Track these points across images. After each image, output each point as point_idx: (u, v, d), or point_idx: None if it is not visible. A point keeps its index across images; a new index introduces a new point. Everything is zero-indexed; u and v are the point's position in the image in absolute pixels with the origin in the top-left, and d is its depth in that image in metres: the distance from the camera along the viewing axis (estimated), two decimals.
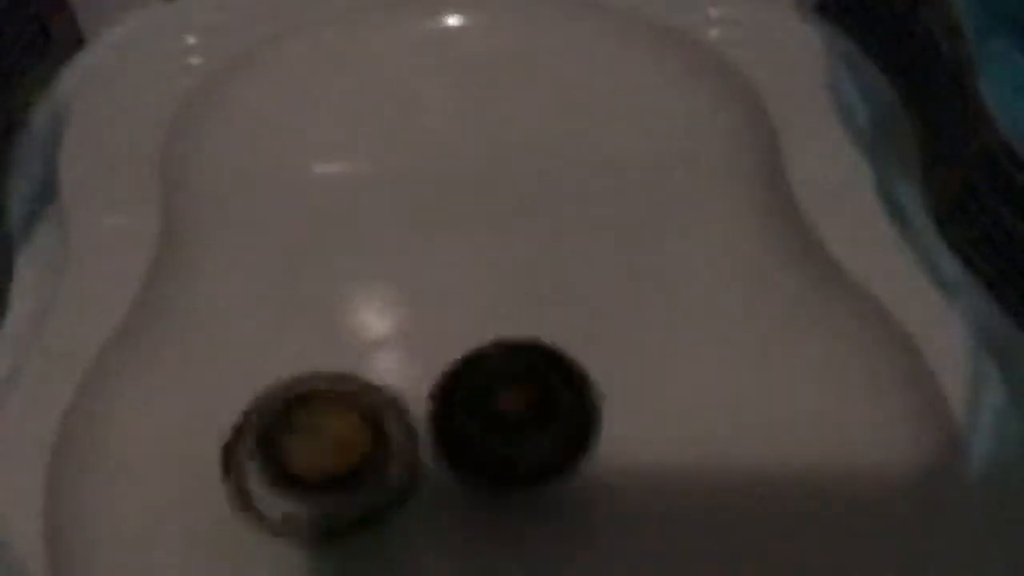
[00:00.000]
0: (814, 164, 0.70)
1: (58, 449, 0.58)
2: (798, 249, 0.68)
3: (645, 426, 0.64)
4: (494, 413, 0.59)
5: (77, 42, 0.76)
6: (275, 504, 0.56)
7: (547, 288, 0.71)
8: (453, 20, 0.79)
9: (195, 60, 0.75)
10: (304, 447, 0.56)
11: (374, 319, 0.71)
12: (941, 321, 0.63)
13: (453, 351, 0.66)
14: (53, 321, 0.63)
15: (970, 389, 0.60)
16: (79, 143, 0.70)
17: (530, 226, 0.73)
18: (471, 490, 0.61)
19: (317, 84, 0.77)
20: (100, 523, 0.59)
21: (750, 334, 0.68)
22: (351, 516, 0.58)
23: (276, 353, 0.67)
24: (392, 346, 0.69)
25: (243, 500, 0.57)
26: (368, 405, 0.58)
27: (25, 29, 0.71)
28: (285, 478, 0.56)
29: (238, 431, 0.58)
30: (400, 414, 0.60)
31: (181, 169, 0.71)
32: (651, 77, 0.77)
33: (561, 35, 0.79)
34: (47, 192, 0.69)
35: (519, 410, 0.59)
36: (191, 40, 0.75)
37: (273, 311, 0.68)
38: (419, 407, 0.62)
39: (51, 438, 0.59)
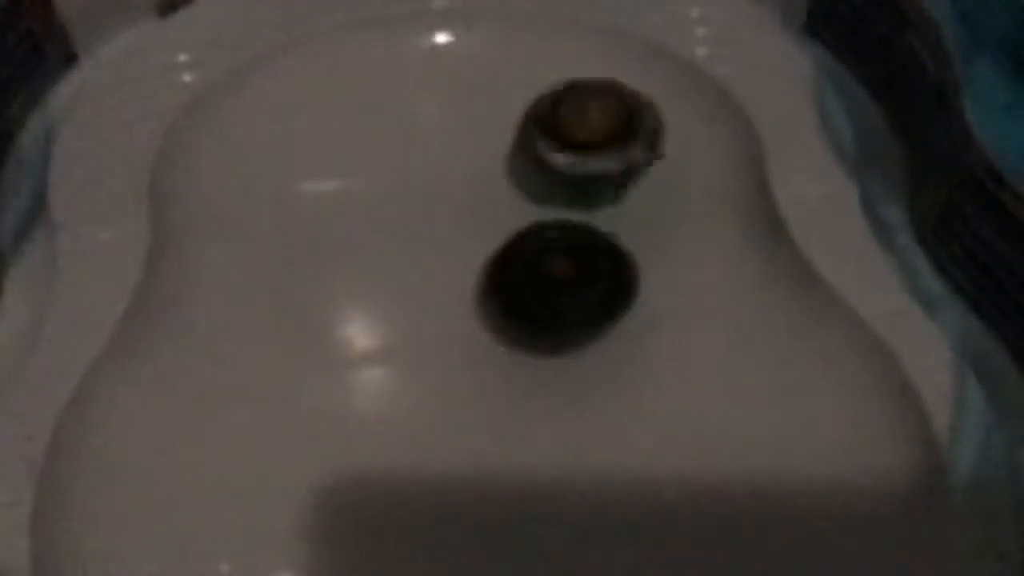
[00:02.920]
0: (800, 182, 0.70)
1: (48, 464, 0.59)
2: (783, 266, 0.68)
3: (628, 440, 0.65)
4: (544, 273, 0.68)
5: (69, 58, 0.76)
6: (550, 155, 0.71)
7: None
8: (444, 37, 0.80)
9: (187, 77, 0.75)
10: (573, 117, 0.72)
11: (365, 333, 0.71)
12: (924, 338, 0.63)
13: (441, 366, 0.68)
14: (43, 336, 0.63)
15: (952, 405, 0.61)
16: (70, 159, 0.71)
17: None
18: (519, 347, 0.69)
19: (308, 101, 0.77)
20: (91, 539, 0.59)
21: (733, 350, 0.68)
22: (605, 173, 0.71)
23: (266, 367, 0.67)
24: (381, 362, 0.69)
25: (528, 149, 0.73)
26: (628, 95, 0.72)
27: (18, 45, 0.72)
28: (558, 137, 0.71)
29: (536, 108, 0.74)
30: (651, 105, 0.72)
31: (171, 185, 0.71)
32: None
33: (550, 53, 0.79)
34: (38, 207, 0.70)
35: (565, 273, 0.68)
36: (183, 57, 0.76)
37: (263, 326, 0.68)
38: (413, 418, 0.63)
39: (42, 453, 0.59)
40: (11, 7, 0.70)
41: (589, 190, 0.73)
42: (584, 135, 0.71)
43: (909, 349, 0.63)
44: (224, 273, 0.70)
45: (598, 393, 0.68)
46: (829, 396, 0.64)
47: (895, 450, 0.61)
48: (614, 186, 0.73)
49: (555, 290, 0.68)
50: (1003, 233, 0.62)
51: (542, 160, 0.72)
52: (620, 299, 0.67)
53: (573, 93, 0.73)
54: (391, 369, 0.69)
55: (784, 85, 0.75)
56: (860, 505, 0.61)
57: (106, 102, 0.74)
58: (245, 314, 0.69)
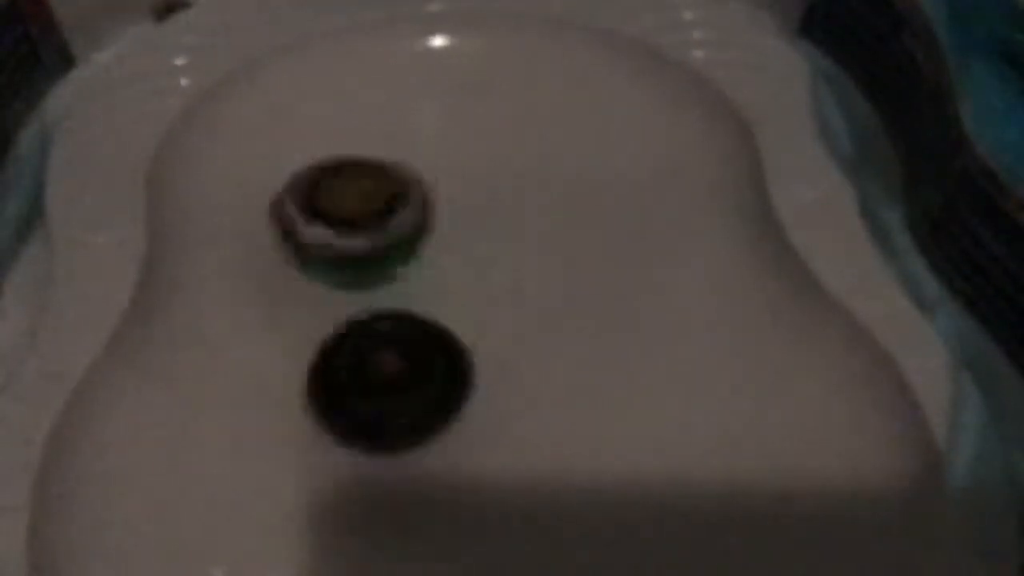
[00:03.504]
0: (797, 184, 0.70)
1: (45, 467, 0.58)
2: (781, 269, 0.68)
3: (624, 437, 0.64)
4: (369, 375, 0.65)
5: (66, 62, 0.76)
6: (312, 235, 0.67)
7: (535, 302, 0.71)
8: (441, 41, 0.80)
9: (183, 80, 0.75)
10: (337, 193, 0.68)
11: None
12: (921, 340, 0.63)
13: None
14: (41, 339, 0.63)
15: (949, 408, 0.60)
16: (67, 162, 0.71)
17: (518, 243, 0.74)
18: (348, 453, 0.64)
19: (305, 104, 0.77)
20: (88, 542, 0.59)
21: (730, 353, 0.67)
22: (374, 250, 0.68)
23: (263, 368, 0.67)
24: None
25: (286, 233, 0.68)
26: (390, 169, 0.69)
27: (15, 49, 0.72)
28: (320, 214, 0.67)
29: (285, 191, 0.69)
30: (416, 180, 0.69)
31: (168, 188, 0.71)
32: (636, 98, 0.78)
33: (548, 56, 0.79)
34: (35, 210, 0.70)
35: (392, 372, 0.65)
36: (179, 61, 0.76)
37: (260, 328, 0.68)
38: None
39: (38, 456, 0.59)
40: (8, 10, 0.70)
41: (356, 268, 0.69)
42: (344, 211, 0.67)
43: (906, 351, 0.63)
44: (221, 274, 0.70)
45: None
46: (826, 398, 0.64)
47: (892, 452, 0.61)
48: (385, 263, 0.69)
49: (383, 391, 0.64)
50: (999, 235, 0.62)
51: (299, 239, 0.68)
52: (455, 396, 0.64)
53: (332, 171, 0.69)
54: None
55: (780, 88, 0.76)
56: (856, 507, 0.61)
57: (103, 105, 0.74)
58: (242, 316, 0.69)
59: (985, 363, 0.63)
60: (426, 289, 0.70)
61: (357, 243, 0.67)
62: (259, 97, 0.76)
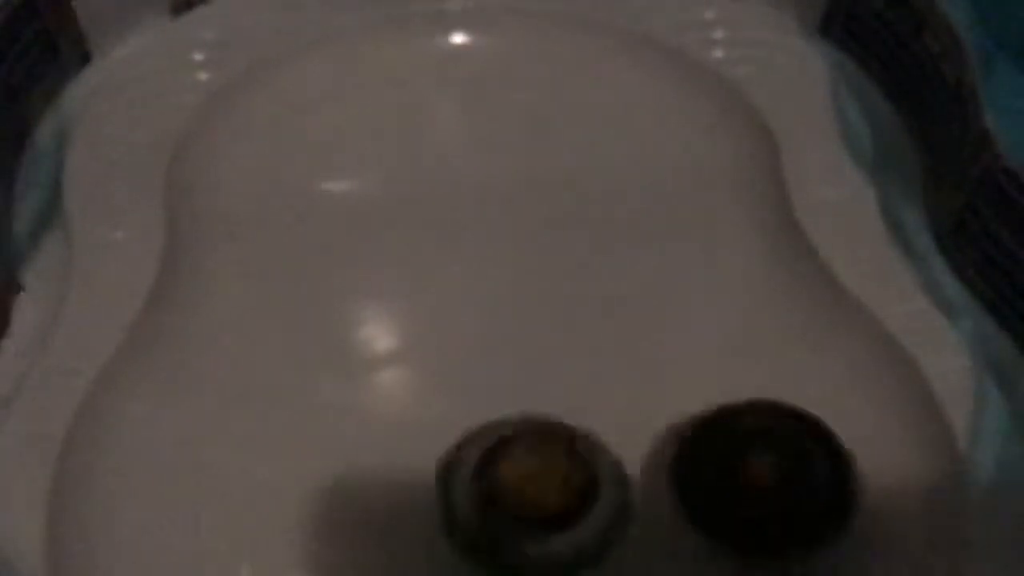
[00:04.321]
0: (817, 185, 0.70)
1: (61, 466, 0.58)
2: (800, 270, 0.68)
3: (642, 440, 0.64)
4: (743, 477, 0.58)
5: (84, 57, 0.76)
6: (486, 535, 0.57)
7: (551, 304, 0.71)
8: (460, 38, 0.79)
9: (202, 76, 0.75)
10: (518, 486, 0.56)
11: (380, 335, 0.71)
12: (943, 343, 0.63)
13: (459, 367, 0.67)
14: (57, 336, 0.63)
15: (972, 411, 0.60)
16: (85, 158, 0.70)
17: (536, 243, 0.73)
18: (714, 553, 0.60)
19: (324, 101, 0.77)
20: (107, 541, 0.59)
21: (750, 354, 0.67)
22: (560, 556, 0.57)
23: (282, 369, 0.67)
24: (397, 362, 0.69)
25: (451, 526, 0.58)
26: (579, 448, 0.58)
27: (33, 44, 0.71)
28: (497, 512, 0.56)
29: (452, 461, 0.59)
30: (609, 459, 0.59)
31: (187, 185, 0.71)
32: (655, 97, 0.78)
33: (566, 54, 0.79)
34: (53, 207, 0.69)
35: (770, 475, 0.58)
36: (198, 56, 0.76)
37: (278, 327, 0.68)
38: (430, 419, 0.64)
39: (54, 454, 0.59)
40: (26, 6, 0.70)
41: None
42: (528, 507, 0.55)
43: (927, 353, 0.62)
44: (239, 273, 0.70)
45: None
46: (847, 400, 0.64)
47: (914, 454, 0.61)
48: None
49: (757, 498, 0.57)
50: (1021, 237, 0.61)
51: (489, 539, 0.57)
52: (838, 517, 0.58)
53: (500, 453, 0.57)
54: (408, 369, 0.69)
55: (801, 88, 0.75)
56: (877, 511, 0.60)
57: (120, 101, 0.74)
58: (260, 314, 0.69)
59: (1007, 365, 0.63)
60: None
61: (543, 545, 0.56)
62: (278, 93, 0.76)
